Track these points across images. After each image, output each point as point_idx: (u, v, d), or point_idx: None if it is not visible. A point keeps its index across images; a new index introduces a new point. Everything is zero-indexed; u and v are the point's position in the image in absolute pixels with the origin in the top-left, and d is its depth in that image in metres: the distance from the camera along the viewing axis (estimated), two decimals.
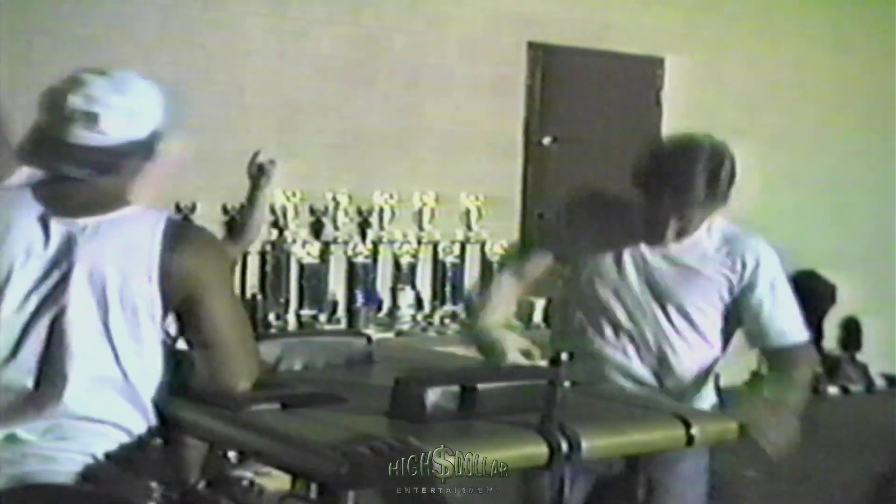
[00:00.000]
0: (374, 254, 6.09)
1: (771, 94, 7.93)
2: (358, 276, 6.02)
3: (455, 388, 2.18)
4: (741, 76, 7.85)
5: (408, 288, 6.13)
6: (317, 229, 5.98)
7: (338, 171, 6.32)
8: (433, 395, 2.14)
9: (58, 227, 2.19)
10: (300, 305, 5.86)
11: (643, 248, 2.87)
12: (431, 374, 2.36)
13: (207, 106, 6.08)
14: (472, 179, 6.61)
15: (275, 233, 5.88)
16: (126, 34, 5.87)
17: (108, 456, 2.19)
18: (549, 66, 7.21)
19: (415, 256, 6.21)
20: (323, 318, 5.88)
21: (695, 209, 2.78)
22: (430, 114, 6.75)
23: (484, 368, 2.74)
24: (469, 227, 6.37)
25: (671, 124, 7.23)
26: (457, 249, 6.32)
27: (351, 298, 5.98)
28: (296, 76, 6.37)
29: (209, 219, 5.04)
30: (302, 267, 5.89)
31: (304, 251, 5.90)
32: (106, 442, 2.19)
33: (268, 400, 2.23)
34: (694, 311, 2.88)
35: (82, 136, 2.20)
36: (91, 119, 2.20)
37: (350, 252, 6.02)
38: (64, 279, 2.16)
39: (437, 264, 6.27)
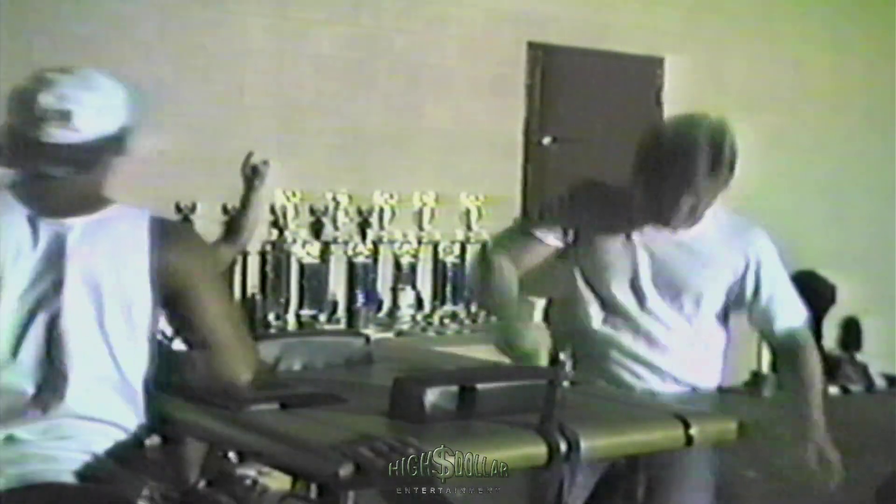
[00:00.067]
0: (374, 254, 6.09)
1: (771, 94, 7.92)
2: (358, 276, 6.02)
3: (454, 388, 2.18)
4: (741, 76, 7.85)
5: (408, 288, 6.13)
6: (317, 229, 5.98)
7: (338, 171, 6.32)
8: (432, 395, 2.14)
9: (46, 227, 2.20)
10: (300, 305, 5.86)
11: (653, 233, 2.86)
12: (431, 374, 2.36)
13: (207, 106, 6.09)
14: (472, 179, 6.61)
15: (275, 233, 5.88)
16: (126, 34, 5.87)
17: (108, 454, 2.20)
18: (549, 66, 7.21)
19: (415, 256, 6.21)
20: (323, 318, 5.88)
21: (707, 186, 2.77)
22: (430, 114, 6.75)
23: (484, 368, 2.74)
24: (469, 227, 6.37)
25: None
26: (457, 249, 6.32)
27: (351, 298, 5.98)
28: (296, 76, 6.37)
29: (209, 219, 5.04)
30: (302, 267, 5.88)
31: (304, 251, 5.89)
32: (105, 440, 2.20)
33: (268, 400, 2.23)
34: (704, 298, 2.89)
35: (57, 134, 2.21)
36: (65, 117, 2.21)
37: (350, 252, 6.02)
38: (57, 280, 2.17)
39: (437, 264, 6.27)
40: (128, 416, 2.23)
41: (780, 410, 3.12)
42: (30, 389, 2.16)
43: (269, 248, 5.84)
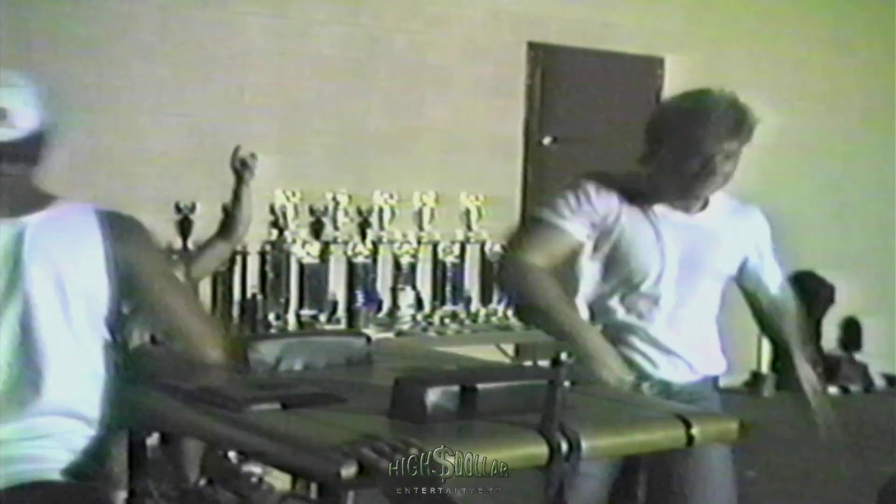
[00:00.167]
0: (374, 254, 6.09)
1: (771, 94, 7.92)
2: (358, 276, 6.02)
3: (455, 388, 2.18)
4: (741, 76, 7.85)
5: (408, 288, 6.12)
6: (317, 229, 5.97)
7: (338, 171, 6.32)
8: (433, 395, 2.14)
9: (2, 227, 2.21)
10: (300, 305, 5.85)
11: (671, 217, 2.85)
12: (432, 374, 2.36)
13: (207, 106, 6.09)
14: (472, 179, 6.61)
15: (275, 233, 5.88)
16: (126, 34, 5.87)
17: (89, 451, 2.22)
18: (549, 66, 7.21)
19: (415, 256, 6.20)
20: (323, 318, 5.87)
21: (736, 149, 2.78)
22: (430, 114, 6.75)
23: (484, 368, 2.74)
24: (469, 227, 6.36)
25: None
26: (457, 249, 6.31)
27: (351, 298, 5.97)
28: (296, 76, 6.38)
29: (209, 218, 5.04)
30: (302, 267, 5.88)
31: (304, 251, 5.89)
32: (83, 436, 2.23)
33: (268, 400, 2.23)
34: (719, 277, 2.94)
35: None
36: (1, 115, 2.23)
37: (350, 252, 6.01)
38: (20, 278, 2.18)
39: (437, 264, 6.26)
40: (98, 410, 2.25)
41: (780, 410, 3.13)
42: (4, 388, 2.17)
43: (269, 248, 5.83)
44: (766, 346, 7.20)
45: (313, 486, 4.06)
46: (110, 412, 2.27)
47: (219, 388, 2.31)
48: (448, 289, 6.24)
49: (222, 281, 5.64)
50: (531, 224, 2.88)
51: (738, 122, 2.78)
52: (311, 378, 2.51)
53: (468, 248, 6.30)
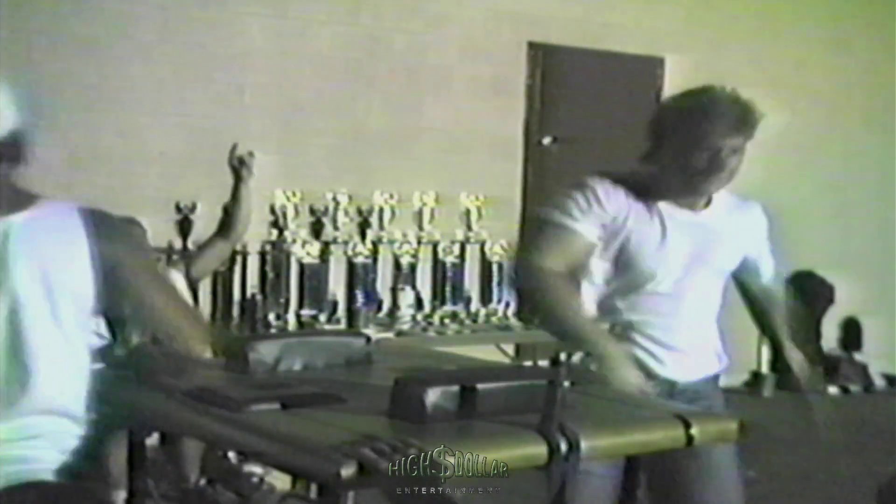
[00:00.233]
0: (374, 254, 6.08)
1: (771, 94, 7.92)
2: (358, 276, 6.02)
3: (455, 389, 2.18)
4: (741, 76, 7.82)
5: (408, 288, 6.12)
6: (317, 229, 5.97)
7: (338, 171, 6.32)
8: (433, 396, 2.14)
9: None
10: (300, 305, 5.85)
11: (677, 215, 2.85)
12: (432, 374, 2.36)
13: (207, 106, 6.09)
14: (472, 179, 6.61)
15: (275, 233, 5.88)
16: (126, 34, 5.87)
17: (80, 451, 2.22)
18: (549, 66, 7.21)
19: (415, 256, 6.20)
20: (323, 318, 5.87)
21: (742, 144, 2.79)
22: (430, 114, 6.75)
23: (484, 368, 2.74)
24: (469, 227, 6.36)
25: None
26: (457, 249, 6.31)
27: (351, 298, 5.97)
28: (296, 76, 6.38)
29: (209, 218, 5.04)
30: (302, 267, 5.88)
31: (304, 251, 5.89)
32: (73, 436, 2.23)
33: (268, 400, 2.23)
34: (722, 274, 2.95)
35: None
36: None
37: (350, 252, 6.01)
38: (7, 278, 2.18)
39: (437, 264, 6.26)
40: (83, 407, 2.26)
41: (780, 410, 3.14)
42: None
43: (269, 248, 5.83)
44: (766, 347, 7.21)
45: (313, 486, 4.07)
46: (105, 411, 2.28)
47: (218, 389, 2.31)
48: (448, 289, 6.24)
49: (222, 281, 5.64)
50: (543, 226, 2.83)
51: (744, 116, 2.78)
52: (310, 378, 2.51)
53: (468, 248, 6.30)
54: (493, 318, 6.25)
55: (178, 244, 5.47)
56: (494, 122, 6.98)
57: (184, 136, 5.96)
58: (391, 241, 6.11)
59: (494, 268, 6.35)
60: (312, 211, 5.95)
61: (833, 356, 8.25)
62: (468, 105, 6.85)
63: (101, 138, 5.75)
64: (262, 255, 5.79)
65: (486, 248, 6.33)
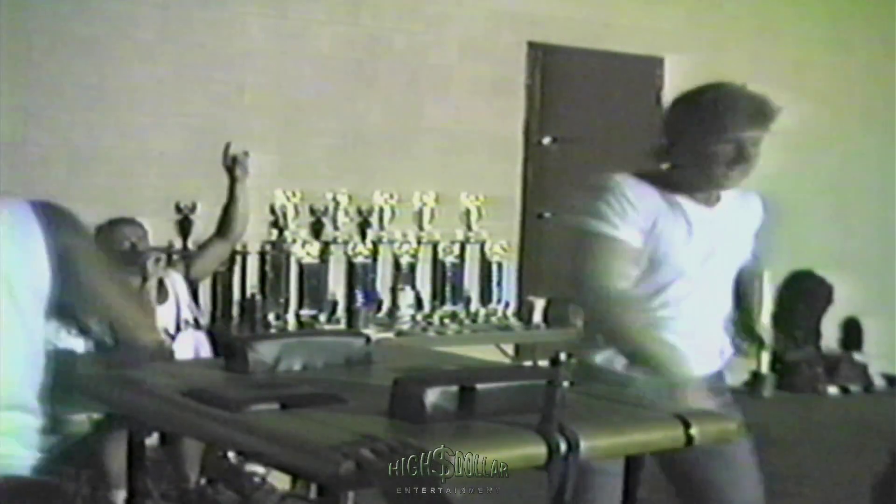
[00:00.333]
0: (374, 254, 6.09)
1: (771, 94, 7.91)
2: (358, 276, 6.03)
3: (454, 389, 2.17)
4: (741, 76, 7.83)
5: (408, 288, 6.13)
6: (317, 229, 5.98)
7: (338, 171, 6.32)
8: (433, 396, 2.14)
9: None
10: (300, 305, 5.86)
11: (694, 212, 2.86)
12: (431, 374, 2.36)
13: (207, 106, 6.09)
14: (472, 179, 6.62)
15: (275, 233, 5.88)
16: (126, 34, 5.87)
17: (44, 447, 2.23)
18: (549, 66, 7.21)
19: (415, 256, 6.21)
20: (323, 318, 5.88)
21: (761, 137, 2.82)
22: (430, 114, 6.75)
23: (484, 368, 2.74)
24: (469, 227, 6.37)
25: None
26: (457, 249, 6.32)
27: (351, 298, 5.98)
28: (296, 76, 6.38)
29: (209, 218, 5.04)
30: (302, 267, 5.89)
31: (304, 251, 5.90)
32: (34, 429, 2.23)
33: (268, 400, 2.23)
34: (735, 267, 2.98)
35: None
36: None
37: (350, 252, 6.02)
38: None
39: (436, 264, 6.27)
40: (43, 402, 2.26)
41: (780, 410, 3.15)
42: None
43: (268, 248, 5.84)
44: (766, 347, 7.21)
45: (313, 486, 4.07)
46: (65, 406, 2.30)
47: (218, 388, 2.31)
48: (448, 289, 6.25)
49: (222, 281, 5.65)
50: (590, 240, 2.78)
51: (763, 108, 2.84)
52: (310, 378, 2.51)
53: (468, 248, 6.31)
54: (493, 318, 6.26)
55: (178, 244, 5.47)
56: (494, 122, 6.98)
57: (184, 136, 5.96)
58: (391, 241, 6.12)
59: (494, 268, 6.35)
60: (312, 211, 5.96)
61: (833, 356, 8.25)
62: (468, 105, 6.85)
63: (101, 138, 5.75)
64: (262, 255, 5.80)
65: (486, 248, 6.34)
